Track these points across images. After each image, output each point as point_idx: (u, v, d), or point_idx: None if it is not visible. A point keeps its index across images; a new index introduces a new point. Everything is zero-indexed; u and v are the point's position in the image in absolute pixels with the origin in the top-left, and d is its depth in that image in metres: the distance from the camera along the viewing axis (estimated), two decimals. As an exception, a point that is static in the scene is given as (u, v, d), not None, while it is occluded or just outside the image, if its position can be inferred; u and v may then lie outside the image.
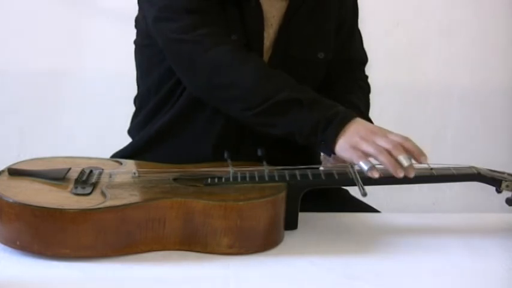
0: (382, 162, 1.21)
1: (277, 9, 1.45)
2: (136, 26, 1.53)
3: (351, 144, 1.23)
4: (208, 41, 1.34)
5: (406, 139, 1.24)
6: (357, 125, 1.26)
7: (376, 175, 1.20)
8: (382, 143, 1.22)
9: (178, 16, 1.36)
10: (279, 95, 1.29)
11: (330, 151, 1.27)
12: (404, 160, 1.21)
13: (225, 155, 1.32)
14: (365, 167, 1.21)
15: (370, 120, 1.50)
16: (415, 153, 1.22)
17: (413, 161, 1.22)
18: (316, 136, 1.27)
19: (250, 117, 1.32)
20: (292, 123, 1.29)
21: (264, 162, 1.31)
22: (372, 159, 1.23)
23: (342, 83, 1.54)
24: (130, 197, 1.20)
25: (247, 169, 1.29)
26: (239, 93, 1.32)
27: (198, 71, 1.35)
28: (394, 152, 1.21)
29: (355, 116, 1.28)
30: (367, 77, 1.63)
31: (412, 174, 1.21)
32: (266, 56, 1.45)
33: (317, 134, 1.27)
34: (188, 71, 1.38)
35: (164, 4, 1.39)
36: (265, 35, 1.44)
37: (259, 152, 1.32)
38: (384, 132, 1.25)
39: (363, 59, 1.63)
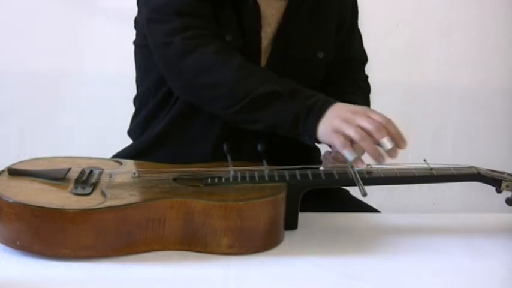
0: (365, 149, 1.20)
1: (275, 8, 1.45)
2: (135, 27, 1.54)
3: (333, 128, 1.23)
4: (192, 43, 1.34)
5: (389, 120, 1.23)
6: (336, 108, 1.26)
7: (361, 166, 1.20)
8: (364, 123, 1.21)
9: (168, 18, 1.37)
10: (259, 89, 1.29)
11: (314, 140, 1.26)
12: (387, 143, 1.21)
13: (224, 147, 1.32)
14: (349, 157, 1.20)
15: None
16: (396, 137, 1.22)
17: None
18: (297, 127, 1.27)
19: (232, 115, 1.33)
20: (273, 116, 1.29)
21: (264, 162, 1.31)
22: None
23: (341, 83, 1.54)
24: (131, 197, 1.19)
25: (247, 169, 1.29)
26: (221, 92, 1.32)
27: (181, 73, 1.36)
28: (376, 135, 1.20)
29: (336, 101, 1.27)
30: (367, 76, 1.63)
31: (395, 156, 1.21)
32: (265, 55, 1.45)
33: (299, 124, 1.27)
34: (172, 73, 1.39)
35: (156, 6, 1.40)
36: (263, 34, 1.44)
37: (259, 147, 1.32)
38: (365, 111, 1.24)
39: (363, 58, 1.63)
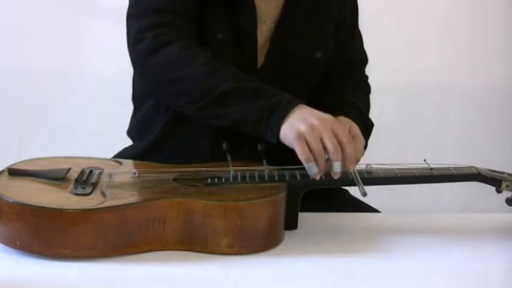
0: (319, 165, 1.21)
1: (272, 6, 1.45)
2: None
3: (297, 134, 1.22)
4: (161, 40, 1.34)
5: (349, 141, 1.23)
6: (302, 111, 1.25)
7: (317, 177, 1.23)
8: (327, 141, 1.21)
9: (144, 14, 1.38)
10: (223, 86, 1.29)
11: (277, 138, 1.26)
12: (337, 167, 1.22)
13: (224, 146, 1.32)
14: (312, 170, 1.22)
15: (370, 121, 1.50)
16: (348, 159, 1.22)
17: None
18: (261, 124, 1.27)
19: (196, 111, 1.32)
20: (237, 112, 1.29)
21: (264, 162, 1.31)
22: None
23: (341, 83, 1.54)
24: (130, 197, 1.20)
25: (247, 169, 1.29)
26: (185, 88, 1.32)
27: (149, 70, 1.36)
28: (332, 156, 1.21)
29: (301, 103, 1.27)
30: (367, 77, 1.62)
31: (337, 177, 1.24)
32: (262, 53, 1.45)
33: (262, 121, 1.26)
34: (142, 70, 1.39)
35: (136, 1, 1.40)
36: (258, 32, 1.44)
37: (259, 147, 1.32)
38: (332, 123, 1.23)
39: (363, 59, 1.63)
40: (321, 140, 1.21)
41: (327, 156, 1.22)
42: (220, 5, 1.40)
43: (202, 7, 1.39)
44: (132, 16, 1.40)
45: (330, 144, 1.21)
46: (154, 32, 1.34)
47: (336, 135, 1.22)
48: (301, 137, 1.21)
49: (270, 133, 1.26)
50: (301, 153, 1.21)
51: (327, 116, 1.25)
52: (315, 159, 1.21)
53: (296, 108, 1.25)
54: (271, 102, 1.26)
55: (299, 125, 1.22)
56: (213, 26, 1.40)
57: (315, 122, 1.22)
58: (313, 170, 1.22)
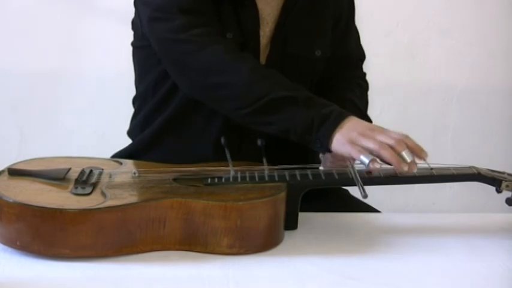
0: (385, 157, 1.21)
1: (272, 7, 1.45)
2: (133, 28, 1.54)
3: (349, 140, 1.24)
4: (200, 41, 1.34)
5: (406, 136, 1.25)
6: (353, 122, 1.27)
7: (377, 166, 1.21)
8: (383, 138, 1.23)
9: (172, 16, 1.37)
10: (273, 93, 1.30)
11: (326, 148, 1.27)
12: (407, 156, 1.22)
13: (222, 140, 1.32)
14: (366, 160, 1.21)
15: (368, 119, 1.50)
16: (416, 149, 1.23)
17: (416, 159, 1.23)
18: (311, 134, 1.27)
19: (244, 116, 1.33)
20: (286, 120, 1.29)
21: (264, 161, 1.31)
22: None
23: (339, 80, 1.54)
24: (131, 197, 1.20)
25: (247, 169, 1.29)
26: (233, 93, 1.32)
27: (191, 71, 1.36)
28: (397, 148, 1.21)
29: (351, 115, 1.28)
30: (365, 74, 1.63)
31: (415, 170, 1.23)
32: (264, 54, 1.45)
33: (312, 131, 1.27)
34: (181, 71, 1.39)
35: (158, 4, 1.39)
36: (261, 33, 1.44)
37: (259, 142, 1.32)
38: (382, 130, 1.26)
39: (361, 55, 1.63)
40: (377, 141, 1.22)
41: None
42: (227, 5, 1.41)
43: (214, 6, 1.40)
44: (157, 19, 1.39)
45: (387, 140, 1.22)
46: (190, 33, 1.35)
47: (389, 136, 1.23)
48: (353, 142, 1.23)
49: (319, 143, 1.27)
50: (354, 151, 1.22)
51: (377, 126, 1.27)
52: (374, 152, 1.21)
53: (346, 119, 1.27)
54: (322, 112, 1.27)
55: (350, 133, 1.24)
56: (223, 25, 1.40)
57: (366, 130, 1.24)
58: (367, 159, 1.21)
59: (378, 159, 1.22)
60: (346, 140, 1.24)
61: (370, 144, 1.22)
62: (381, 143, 1.22)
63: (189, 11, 1.37)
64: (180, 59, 1.37)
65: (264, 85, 1.31)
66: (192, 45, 1.34)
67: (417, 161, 1.24)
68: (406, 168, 1.21)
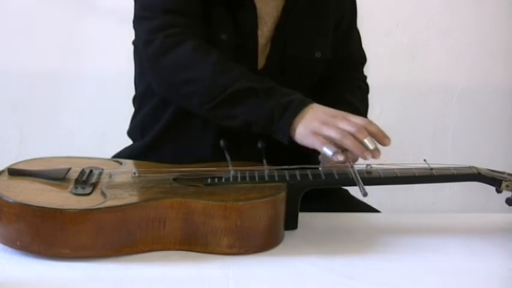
0: (348, 146, 1.20)
1: (272, 7, 1.45)
2: (134, 27, 1.54)
3: (312, 130, 1.23)
4: (171, 40, 1.34)
5: (369, 122, 1.23)
6: (314, 110, 1.26)
7: (340, 158, 1.20)
8: (345, 126, 1.21)
9: (154, 15, 1.38)
10: (234, 86, 1.29)
11: (289, 139, 1.26)
12: (369, 143, 1.21)
13: (221, 143, 1.32)
14: (329, 152, 1.20)
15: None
16: (378, 135, 1.22)
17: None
18: (272, 124, 1.27)
19: (208, 111, 1.33)
20: (248, 112, 1.29)
21: (264, 161, 1.31)
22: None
23: (340, 82, 1.54)
24: (131, 197, 1.20)
25: (247, 169, 1.29)
26: (197, 88, 1.32)
27: (161, 70, 1.36)
28: (359, 136, 1.20)
29: (313, 103, 1.27)
30: (365, 77, 1.63)
31: (378, 156, 1.21)
32: (263, 54, 1.45)
33: (273, 122, 1.27)
34: (153, 71, 1.39)
35: (145, 3, 1.41)
36: (259, 33, 1.44)
37: (260, 145, 1.32)
38: (344, 115, 1.24)
39: (362, 58, 1.63)
40: (339, 128, 1.21)
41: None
42: (223, 5, 1.41)
43: (206, 7, 1.40)
44: (141, 18, 1.41)
45: (349, 127, 1.21)
46: (165, 32, 1.35)
47: (352, 122, 1.22)
48: (315, 132, 1.22)
49: (282, 133, 1.27)
50: (317, 142, 1.21)
51: (338, 111, 1.26)
52: (337, 142, 1.20)
53: (307, 107, 1.26)
54: (282, 102, 1.27)
55: (312, 124, 1.23)
56: (217, 26, 1.40)
57: (327, 118, 1.23)
58: (330, 152, 1.20)
59: (340, 151, 1.20)
60: (309, 131, 1.23)
61: (332, 133, 1.21)
62: (343, 132, 1.20)
63: (172, 11, 1.37)
64: (152, 60, 1.37)
65: (226, 78, 1.31)
66: (162, 45, 1.34)
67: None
68: (369, 157, 1.19)
